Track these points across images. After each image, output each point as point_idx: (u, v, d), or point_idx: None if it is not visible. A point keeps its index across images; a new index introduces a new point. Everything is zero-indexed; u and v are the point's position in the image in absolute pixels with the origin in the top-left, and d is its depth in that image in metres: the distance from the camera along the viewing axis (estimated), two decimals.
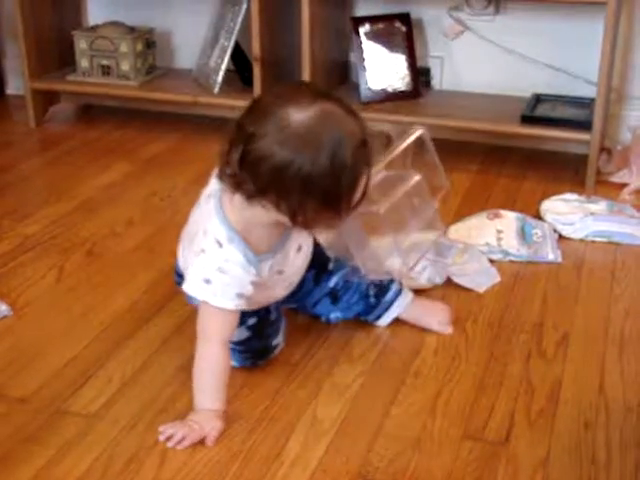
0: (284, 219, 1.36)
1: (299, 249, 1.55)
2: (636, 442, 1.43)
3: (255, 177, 1.30)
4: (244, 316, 1.54)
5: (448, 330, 1.74)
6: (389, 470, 1.37)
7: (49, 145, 2.81)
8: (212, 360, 1.46)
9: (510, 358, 1.66)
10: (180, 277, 1.60)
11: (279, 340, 1.63)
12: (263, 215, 1.37)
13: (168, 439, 1.42)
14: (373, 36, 2.68)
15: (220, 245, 1.41)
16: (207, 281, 1.42)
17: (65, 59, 2.94)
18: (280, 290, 1.59)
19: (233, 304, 1.43)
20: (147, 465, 1.38)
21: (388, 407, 1.52)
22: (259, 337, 1.60)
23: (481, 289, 1.90)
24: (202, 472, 1.36)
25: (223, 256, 1.41)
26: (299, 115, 1.29)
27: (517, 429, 1.46)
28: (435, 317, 1.75)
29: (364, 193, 1.37)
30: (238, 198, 1.37)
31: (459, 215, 2.21)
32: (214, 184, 1.45)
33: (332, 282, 1.70)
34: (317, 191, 1.30)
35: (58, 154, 2.72)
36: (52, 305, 1.84)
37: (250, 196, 1.34)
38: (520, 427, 1.47)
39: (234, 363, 1.57)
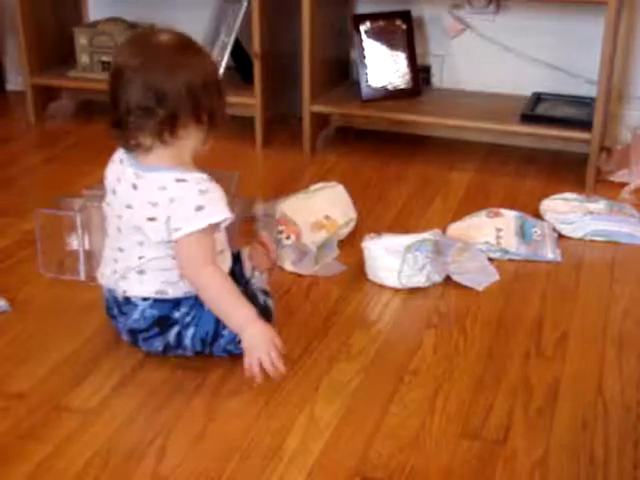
0: (199, 137, 1.51)
1: None
2: (634, 441, 1.43)
3: (173, 101, 1.44)
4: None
5: None
6: (387, 467, 1.37)
7: (49, 141, 2.80)
8: (219, 281, 1.50)
9: (509, 357, 1.66)
10: (124, 305, 1.60)
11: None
12: (183, 150, 1.51)
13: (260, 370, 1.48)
14: (374, 34, 2.68)
15: (183, 180, 1.49)
16: (199, 208, 1.47)
17: (65, 55, 2.94)
18: None
19: (229, 213, 1.50)
20: (145, 461, 1.37)
21: (386, 405, 1.52)
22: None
23: (480, 287, 1.90)
24: (200, 468, 1.36)
25: (194, 181, 1.49)
26: (163, 37, 1.49)
27: (515, 428, 1.46)
28: None
29: None
30: (158, 151, 1.50)
31: (459, 214, 2.21)
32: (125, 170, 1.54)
33: None
34: (214, 86, 1.51)
35: (58, 150, 2.72)
36: (51, 301, 1.84)
37: (171, 126, 1.46)
38: (518, 426, 1.47)
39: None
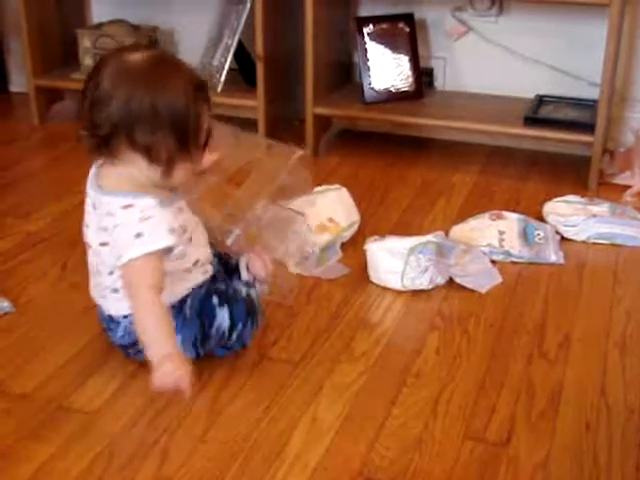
0: (145, 167, 1.42)
1: None
2: (637, 443, 1.43)
3: (107, 118, 1.38)
4: (213, 310, 1.55)
5: None
6: (390, 470, 1.37)
7: (52, 142, 2.81)
8: (151, 307, 1.43)
9: (512, 359, 1.66)
10: (109, 321, 1.60)
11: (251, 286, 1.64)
12: (136, 173, 1.43)
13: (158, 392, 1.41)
14: (376, 36, 2.68)
15: (130, 205, 1.43)
16: (138, 235, 1.42)
17: (69, 57, 2.94)
18: (201, 237, 1.60)
19: (170, 240, 1.43)
20: (148, 462, 1.38)
21: (389, 407, 1.52)
22: (233, 300, 1.58)
23: (483, 290, 1.90)
24: (203, 470, 1.36)
25: (139, 208, 1.43)
26: (135, 56, 1.42)
27: (518, 430, 1.46)
28: None
29: (209, 131, 1.47)
30: (111, 168, 1.46)
31: (461, 216, 2.21)
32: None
33: None
34: (164, 122, 1.39)
35: (61, 151, 2.72)
36: (55, 302, 1.85)
37: (106, 144, 1.41)
38: (521, 428, 1.47)
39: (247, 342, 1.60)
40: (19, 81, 3.17)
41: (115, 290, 1.55)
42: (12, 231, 2.16)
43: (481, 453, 1.41)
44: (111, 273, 1.53)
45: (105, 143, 1.42)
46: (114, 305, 1.57)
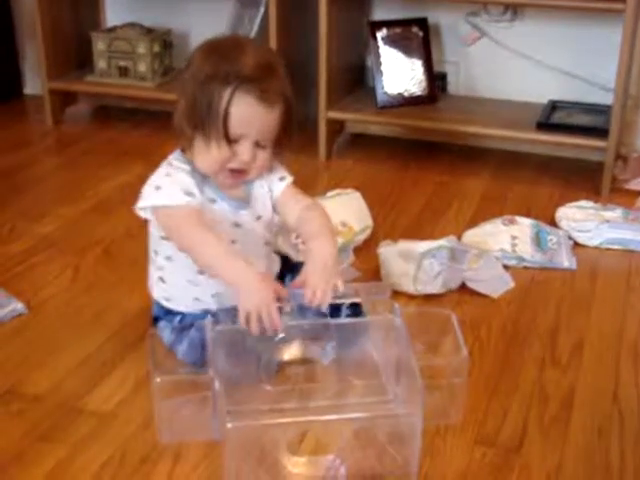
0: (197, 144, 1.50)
1: (258, 218, 1.62)
2: None
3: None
4: None
5: None
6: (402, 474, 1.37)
7: (66, 145, 2.82)
8: (200, 240, 1.47)
9: (524, 364, 1.66)
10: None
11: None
12: (205, 154, 1.51)
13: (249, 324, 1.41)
14: (390, 41, 2.69)
15: (170, 164, 1.56)
16: (157, 188, 1.52)
17: (83, 60, 2.96)
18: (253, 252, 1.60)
19: (184, 200, 1.49)
20: (160, 464, 1.38)
21: None
22: None
23: (495, 295, 1.90)
24: (216, 473, 1.36)
25: (171, 168, 1.55)
26: (248, 42, 1.60)
27: (530, 435, 1.46)
28: None
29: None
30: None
31: (474, 221, 2.21)
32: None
33: None
34: (184, 86, 1.52)
35: (74, 154, 2.73)
36: (67, 304, 1.85)
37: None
38: (533, 434, 1.47)
39: None
40: (33, 84, 3.18)
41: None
42: (25, 233, 2.17)
43: (493, 458, 1.41)
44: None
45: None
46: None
